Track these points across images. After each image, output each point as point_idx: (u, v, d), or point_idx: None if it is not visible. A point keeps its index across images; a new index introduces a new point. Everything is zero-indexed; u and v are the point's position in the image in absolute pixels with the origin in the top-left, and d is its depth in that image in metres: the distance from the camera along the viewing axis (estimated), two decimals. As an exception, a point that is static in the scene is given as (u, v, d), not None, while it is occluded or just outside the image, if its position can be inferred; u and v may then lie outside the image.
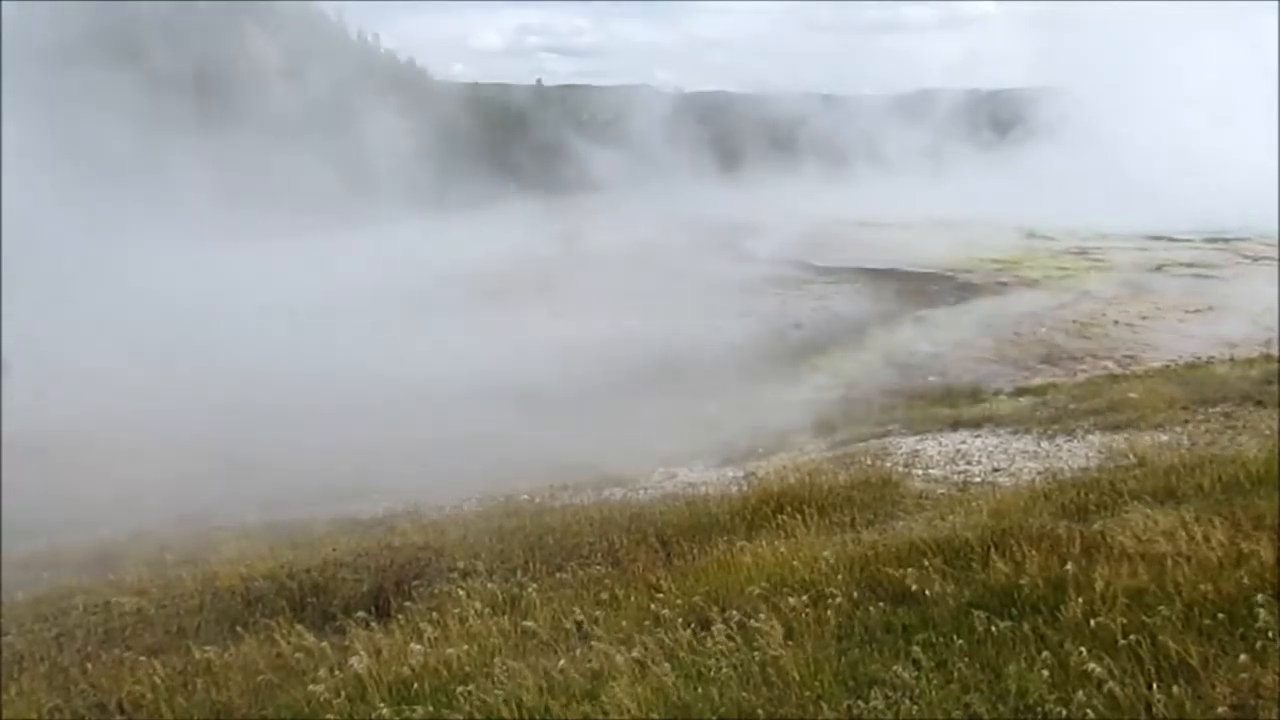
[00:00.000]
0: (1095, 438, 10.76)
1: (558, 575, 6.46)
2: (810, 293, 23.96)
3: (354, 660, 4.59)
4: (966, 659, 3.75)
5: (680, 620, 4.65)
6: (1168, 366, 15.61)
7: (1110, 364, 17.93)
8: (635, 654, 4.23)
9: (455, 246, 33.50)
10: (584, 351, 19.70)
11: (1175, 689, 3.25)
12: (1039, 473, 9.18)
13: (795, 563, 5.57)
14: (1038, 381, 17.06)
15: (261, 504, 12.33)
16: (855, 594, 4.74)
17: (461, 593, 5.84)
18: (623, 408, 17.76)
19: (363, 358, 19.48)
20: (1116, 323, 20.78)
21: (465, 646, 4.69)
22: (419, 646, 4.72)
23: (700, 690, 3.84)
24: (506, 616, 5.29)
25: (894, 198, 42.25)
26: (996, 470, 9.88)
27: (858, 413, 15.44)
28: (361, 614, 5.70)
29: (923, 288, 24.45)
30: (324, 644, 5.16)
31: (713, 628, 4.41)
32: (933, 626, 4.20)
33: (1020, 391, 16.19)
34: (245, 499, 12.73)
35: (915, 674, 3.65)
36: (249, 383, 17.77)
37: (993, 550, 5.07)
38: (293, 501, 12.41)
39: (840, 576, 5.12)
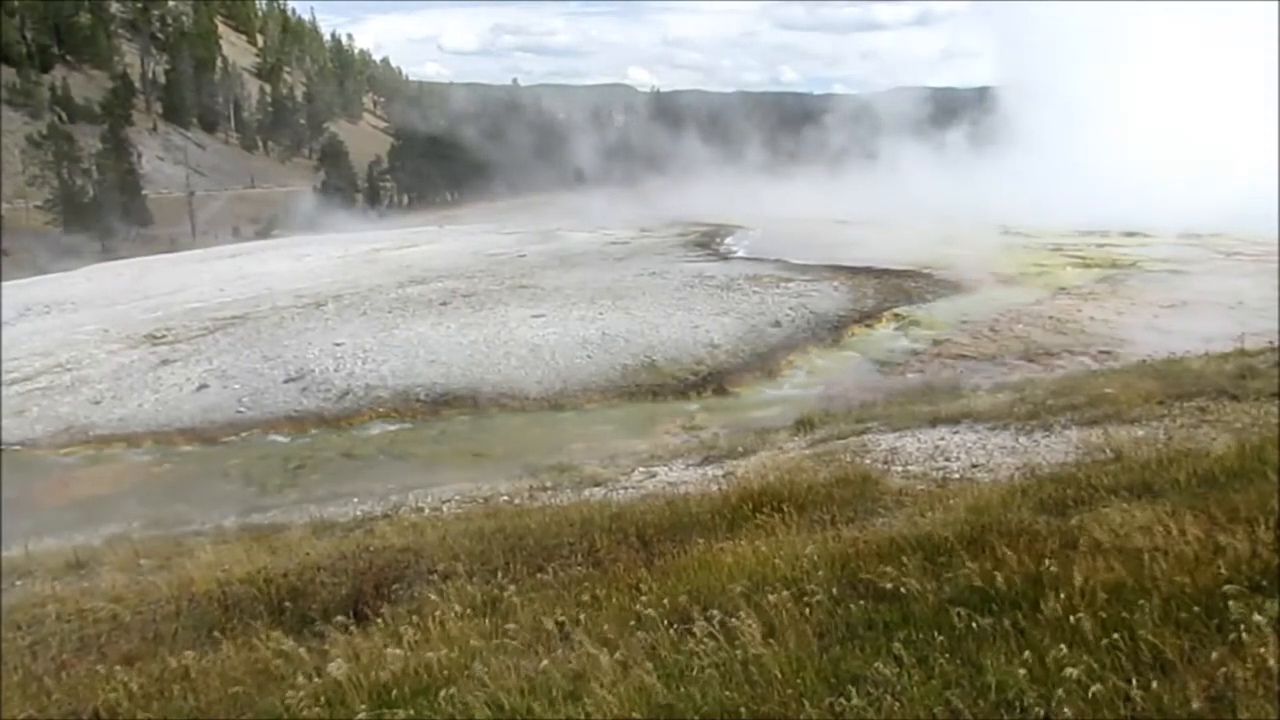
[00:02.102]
0: (1073, 433, 10.85)
1: (538, 576, 6.45)
2: (789, 291, 23.95)
3: (332, 665, 4.57)
4: (947, 655, 3.77)
5: (662, 620, 4.65)
6: (1143, 361, 15.74)
7: (1087, 359, 18.06)
8: (618, 655, 4.22)
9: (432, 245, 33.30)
10: (561, 351, 19.66)
11: (1154, 683, 3.28)
12: (1017, 468, 9.24)
13: (776, 561, 5.59)
14: (1016, 378, 17.14)
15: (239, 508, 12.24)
16: (836, 591, 4.76)
17: (441, 595, 5.82)
18: (600, 407, 17.77)
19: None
20: (1093, 318, 20.95)
21: (445, 650, 4.67)
22: (398, 650, 4.70)
23: (683, 690, 3.85)
24: (487, 619, 5.28)
25: (868, 195, 42.49)
26: (975, 466, 9.93)
27: (837, 410, 15.46)
28: (340, 618, 5.67)
29: (900, 285, 24.57)
30: (302, 649, 5.12)
31: (695, 627, 4.41)
32: (913, 623, 4.22)
33: (999, 388, 16.24)
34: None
35: (897, 670, 3.67)
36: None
37: (971, 546, 5.10)
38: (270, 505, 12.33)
39: (821, 574, 5.14)
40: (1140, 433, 10.48)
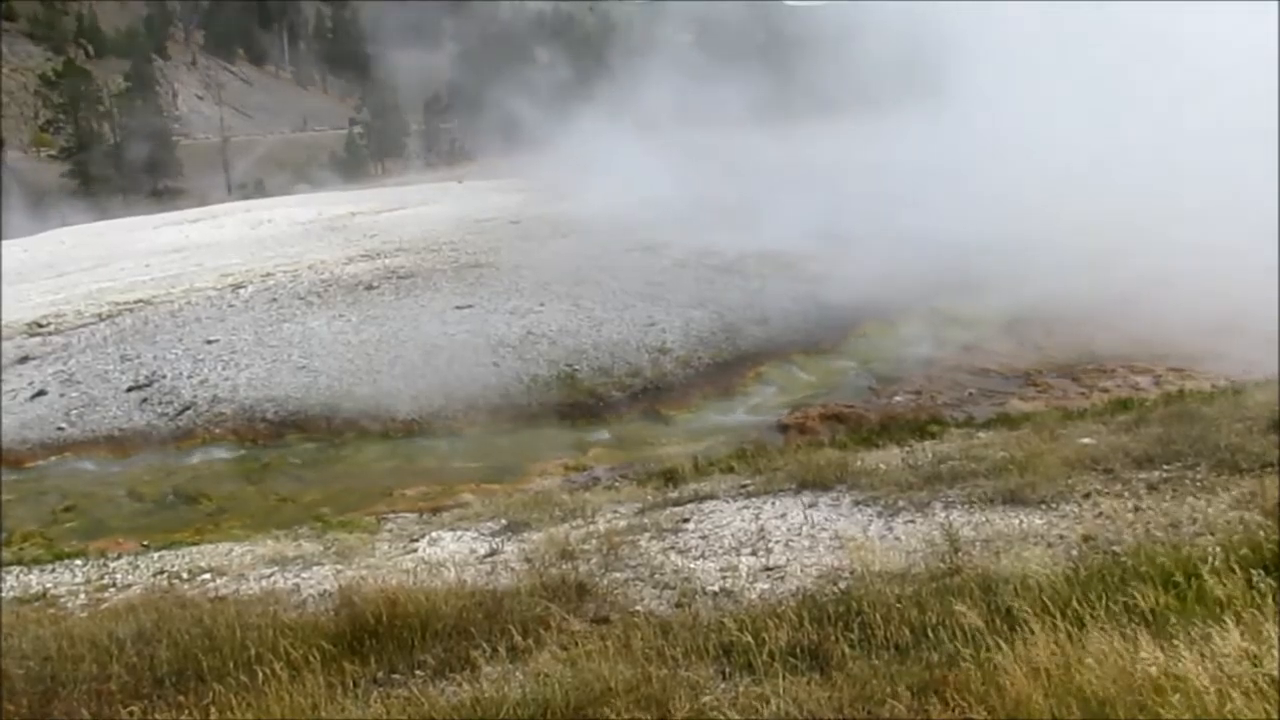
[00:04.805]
0: (945, 515, 9.15)
1: None
2: (802, 274, 22.24)
3: None
4: None
5: None
6: (1186, 391, 13.65)
7: (1142, 380, 15.90)
8: None
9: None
10: (462, 356, 18.57)
11: None
12: (793, 592, 7.64)
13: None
14: (1028, 407, 15.18)
15: None
16: None
17: None
18: (484, 433, 16.67)
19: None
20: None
21: None
22: None
23: None
24: None
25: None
26: (767, 571, 8.38)
27: (761, 451, 13.89)
28: None
29: (949, 269, 22.30)
30: None
31: None
32: None
33: (991, 422, 14.40)
34: None
35: None
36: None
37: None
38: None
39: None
40: (1039, 521, 8.73)
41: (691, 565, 8.70)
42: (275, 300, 23.51)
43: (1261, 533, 6.90)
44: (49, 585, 10.91)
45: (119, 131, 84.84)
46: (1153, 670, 4.53)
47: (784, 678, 5.59)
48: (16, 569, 11.81)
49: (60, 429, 17.84)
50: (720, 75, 53.24)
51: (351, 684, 6.18)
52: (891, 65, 38.67)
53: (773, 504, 10.42)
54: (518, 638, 6.70)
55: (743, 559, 8.70)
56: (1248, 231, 18.62)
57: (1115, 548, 7.85)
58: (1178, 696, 4.27)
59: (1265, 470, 9.42)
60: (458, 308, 21.17)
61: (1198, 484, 9.34)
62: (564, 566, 8.63)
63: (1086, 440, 11.42)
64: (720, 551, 9.06)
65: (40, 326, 24.19)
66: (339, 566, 10.09)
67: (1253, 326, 16.21)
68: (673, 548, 9.29)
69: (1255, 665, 4.42)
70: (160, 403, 18.25)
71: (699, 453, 14.59)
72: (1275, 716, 4.05)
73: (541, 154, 54.14)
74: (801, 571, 8.19)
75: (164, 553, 11.88)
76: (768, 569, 8.41)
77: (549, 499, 12.36)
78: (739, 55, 58.35)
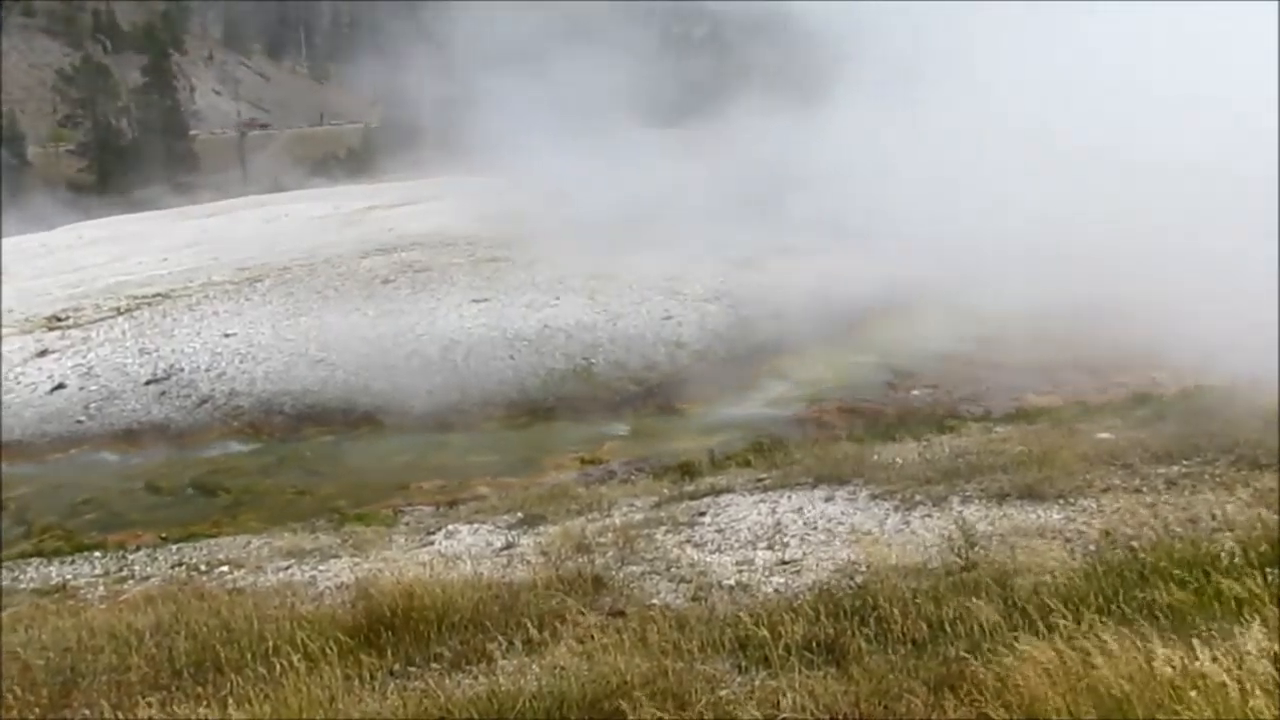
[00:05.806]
0: (970, 509, 9.14)
1: None
2: (814, 266, 22.20)
3: None
4: None
5: None
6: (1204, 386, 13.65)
7: (1159, 374, 15.84)
8: None
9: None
10: (478, 351, 18.62)
11: None
12: (807, 586, 7.64)
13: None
14: (1045, 401, 15.19)
15: None
16: None
17: None
18: (500, 427, 16.71)
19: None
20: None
21: None
22: None
23: None
24: None
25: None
26: (784, 564, 8.38)
27: (778, 445, 13.91)
28: None
29: (961, 265, 22.16)
30: None
31: None
32: None
33: (1009, 417, 14.42)
34: None
35: None
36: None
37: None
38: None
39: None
40: (1057, 517, 8.71)
41: (707, 559, 8.71)
42: (292, 294, 23.60)
43: (1280, 529, 6.88)
44: (68, 577, 11.00)
45: (136, 126, 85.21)
46: (1171, 668, 4.50)
47: (800, 672, 5.59)
48: (36, 561, 11.94)
49: (79, 422, 17.96)
50: (717, 71, 53.14)
51: (368, 676, 6.20)
52: (877, 55, 38.29)
53: (789, 498, 10.43)
54: (534, 631, 6.72)
55: (759, 553, 8.71)
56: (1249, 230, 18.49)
57: (1133, 543, 7.80)
58: (1196, 694, 4.25)
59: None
60: (474, 302, 21.21)
61: (1216, 480, 9.31)
62: (580, 560, 8.67)
63: (1104, 435, 11.42)
64: (736, 545, 9.08)
65: (59, 320, 24.33)
66: (355, 559, 10.15)
67: (1261, 322, 16.11)
68: (689, 541, 9.30)
69: (1275, 664, 4.39)
70: (178, 396, 18.37)
71: (715, 447, 14.61)
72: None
73: (548, 152, 54.13)
74: (817, 566, 8.19)
75: (182, 545, 11.98)
76: (784, 563, 8.42)
77: (565, 493, 12.43)
78: (737, 51, 57.98)
